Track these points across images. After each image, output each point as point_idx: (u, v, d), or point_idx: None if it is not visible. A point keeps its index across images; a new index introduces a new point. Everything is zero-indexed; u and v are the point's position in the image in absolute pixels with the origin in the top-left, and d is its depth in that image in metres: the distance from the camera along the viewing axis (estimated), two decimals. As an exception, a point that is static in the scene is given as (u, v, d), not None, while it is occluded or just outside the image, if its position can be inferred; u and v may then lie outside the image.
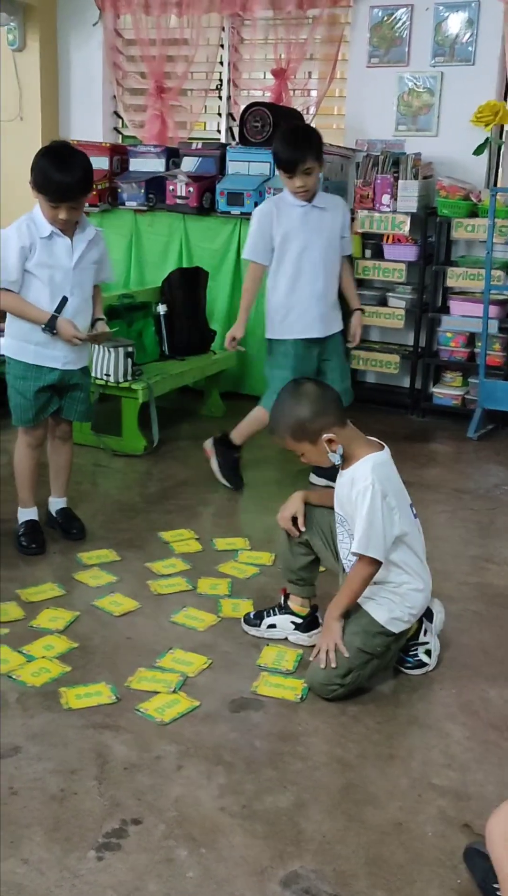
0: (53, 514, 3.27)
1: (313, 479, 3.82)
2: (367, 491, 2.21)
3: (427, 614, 2.45)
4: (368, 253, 5.01)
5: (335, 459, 2.31)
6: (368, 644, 2.28)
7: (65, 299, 2.90)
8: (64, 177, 2.72)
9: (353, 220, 4.89)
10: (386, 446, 2.36)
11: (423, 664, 2.43)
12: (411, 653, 2.43)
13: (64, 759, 2.02)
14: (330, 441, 2.27)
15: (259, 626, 2.58)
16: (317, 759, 2.07)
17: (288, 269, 3.58)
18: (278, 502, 2.58)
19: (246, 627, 2.60)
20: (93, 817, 1.84)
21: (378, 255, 4.97)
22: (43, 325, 2.88)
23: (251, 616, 2.61)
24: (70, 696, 2.26)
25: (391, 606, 2.31)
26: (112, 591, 2.83)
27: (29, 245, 2.83)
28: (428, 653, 2.44)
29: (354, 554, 2.26)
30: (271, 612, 2.59)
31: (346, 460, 2.32)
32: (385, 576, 2.32)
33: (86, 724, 2.15)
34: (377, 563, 2.25)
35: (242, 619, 2.63)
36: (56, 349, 2.95)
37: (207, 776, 1.99)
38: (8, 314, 2.95)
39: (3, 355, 3.01)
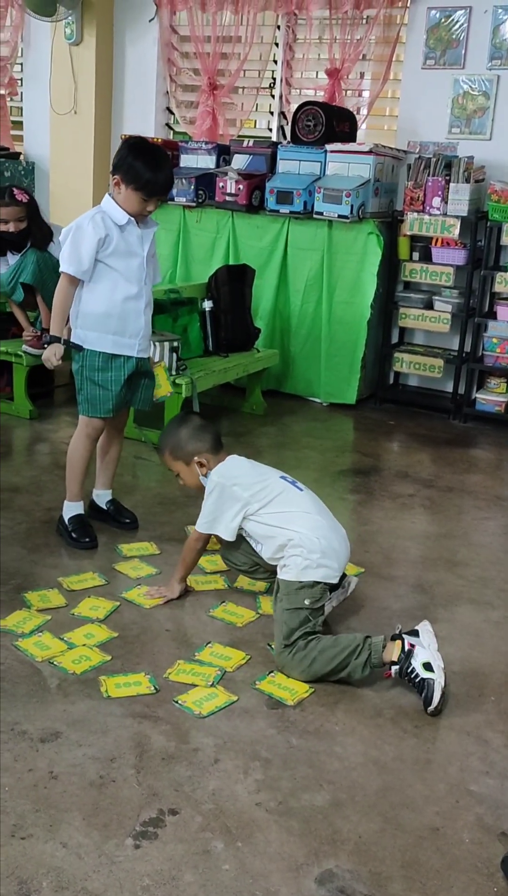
0: (102, 505, 3.29)
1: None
2: (212, 487, 2.60)
3: (394, 637, 2.37)
4: (416, 256, 4.98)
5: (204, 482, 2.66)
6: (294, 601, 2.42)
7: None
8: (159, 175, 2.84)
9: (402, 221, 4.88)
10: (233, 455, 2.72)
11: (430, 683, 2.24)
12: (409, 674, 2.28)
13: (103, 747, 2.04)
14: (200, 464, 2.66)
15: None
16: (353, 760, 2.07)
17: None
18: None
19: None
20: (131, 805, 1.86)
21: (426, 257, 4.95)
22: (48, 335, 2.96)
23: None
24: (110, 684, 2.28)
25: (296, 562, 2.45)
26: (138, 584, 2.85)
27: (105, 236, 2.88)
28: (427, 666, 2.28)
29: (196, 530, 2.65)
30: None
31: None
32: (276, 544, 2.51)
33: (125, 713, 2.17)
34: (203, 538, 2.67)
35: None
36: (131, 337, 3.00)
37: (243, 771, 2.00)
38: (73, 307, 2.97)
39: (73, 346, 2.98)
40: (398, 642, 2.34)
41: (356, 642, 2.34)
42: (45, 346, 2.97)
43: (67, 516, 3.14)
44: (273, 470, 2.70)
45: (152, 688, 2.28)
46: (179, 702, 2.23)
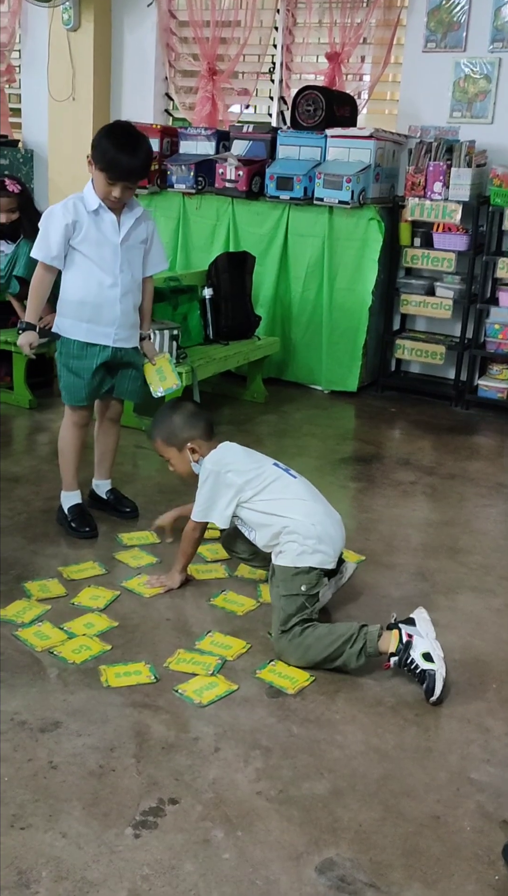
0: (102, 495, 3.28)
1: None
2: (206, 475, 2.57)
3: (389, 626, 2.36)
4: (417, 241, 4.95)
5: (197, 469, 2.65)
6: (290, 587, 2.42)
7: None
8: (129, 159, 2.75)
9: (403, 207, 4.85)
10: (226, 442, 2.69)
11: (431, 674, 2.23)
12: (409, 665, 2.27)
13: (103, 736, 2.03)
14: (192, 450, 2.64)
15: None
16: (354, 748, 2.06)
17: None
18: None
19: None
20: (131, 795, 1.86)
21: (428, 243, 4.91)
22: (22, 323, 2.92)
23: None
24: (110, 674, 2.27)
25: (291, 548, 2.45)
26: (138, 573, 2.84)
27: (73, 222, 2.84)
28: (427, 656, 2.26)
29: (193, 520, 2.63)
30: None
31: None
32: (272, 531, 2.49)
33: (125, 703, 2.16)
34: (200, 526, 2.65)
35: None
36: (107, 326, 2.95)
37: (243, 759, 1.99)
38: (59, 293, 2.98)
39: (54, 336, 3.01)
40: (395, 632, 2.32)
41: (352, 631, 2.33)
42: (20, 332, 2.94)
43: (65, 506, 3.13)
44: (266, 457, 2.68)
45: (152, 677, 2.27)
46: (180, 691, 2.22)
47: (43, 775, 1.90)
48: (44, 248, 2.86)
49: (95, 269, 2.90)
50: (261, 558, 2.70)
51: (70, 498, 3.14)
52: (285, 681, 2.30)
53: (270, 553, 2.56)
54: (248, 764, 1.98)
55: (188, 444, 2.65)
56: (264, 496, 2.52)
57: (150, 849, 1.72)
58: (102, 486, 3.29)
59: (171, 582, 2.75)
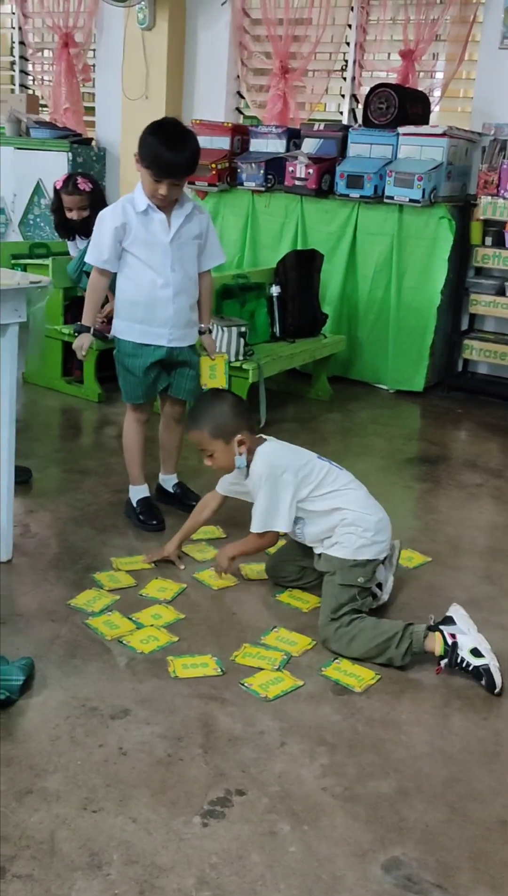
0: (169, 489, 3.32)
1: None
2: (261, 480, 2.50)
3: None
4: (489, 241, 4.88)
5: (240, 463, 2.58)
6: (347, 578, 2.45)
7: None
8: (174, 155, 2.73)
9: (475, 206, 4.79)
10: (268, 438, 2.65)
11: (486, 668, 2.27)
12: (461, 665, 2.31)
13: (171, 726, 2.07)
14: (240, 442, 2.55)
15: None
16: (420, 749, 2.06)
17: None
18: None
19: None
20: (198, 784, 1.89)
21: (499, 243, 4.83)
22: (77, 325, 3.00)
23: None
24: (177, 665, 2.31)
25: (351, 540, 2.46)
26: (208, 567, 2.87)
27: (122, 224, 2.85)
28: (475, 652, 2.31)
29: (254, 532, 2.55)
30: None
31: (250, 461, 2.59)
32: (329, 524, 2.50)
33: (192, 694, 2.20)
34: (268, 536, 2.57)
35: None
36: (160, 326, 2.95)
37: (309, 755, 2.01)
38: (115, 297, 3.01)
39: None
40: (439, 635, 2.34)
41: (397, 630, 2.35)
42: (76, 334, 3.00)
43: (133, 499, 3.19)
44: (308, 451, 2.64)
45: (219, 670, 2.30)
46: (246, 684, 2.24)
47: (113, 761, 1.94)
48: (95, 252, 2.91)
49: (147, 270, 2.90)
50: (309, 573, 2.69)
51: (137, 492, 3.19)
52: (351, 679, 2.30)
53: (316, 562, 2.58)
54: (313, 760, 1.99)
55: (237, 436, 2.57)
56: (320, 491, 2.52)
57: (217, 838, 1.74)
58: (168, 481, 3.34)
59: (228, 553, 2.67)
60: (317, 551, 2.58)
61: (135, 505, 3.18)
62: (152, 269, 2.90)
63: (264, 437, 2.65)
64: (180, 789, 1.87)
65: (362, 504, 2.52)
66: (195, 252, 3.00)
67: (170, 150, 2.73)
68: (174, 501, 3.31)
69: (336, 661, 2.38)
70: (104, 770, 1.91)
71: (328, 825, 1.80)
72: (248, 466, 2.60)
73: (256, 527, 2.55)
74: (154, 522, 3.13)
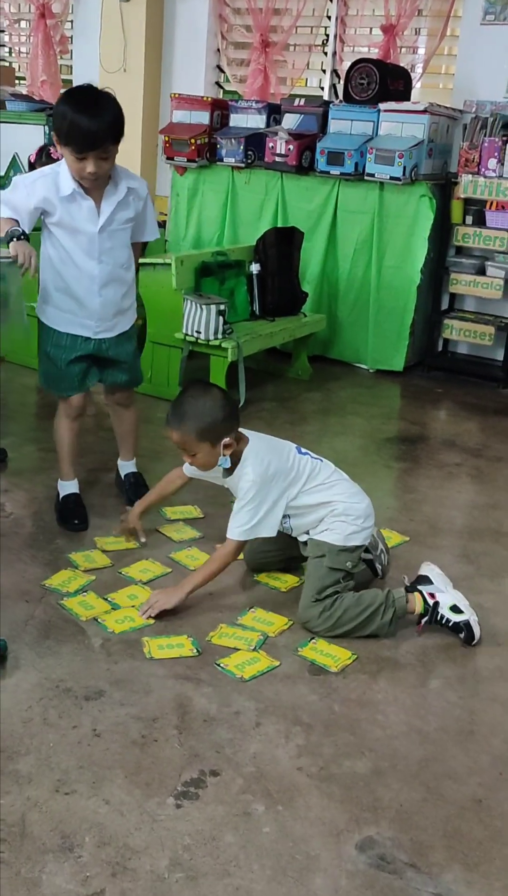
0: (122, 476, 3.18)
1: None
2: (252, 488, 2.38)
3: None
4: (469, 219, 4.85)
5: (225, 464, 2.43)
6: (336, 562, 2.43)
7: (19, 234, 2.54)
8: (91, 122, 2.41)
9: (456, 184, 4.75)
10: (249, 433, 2.50)
11: (466, 623, 2.38)
12: (441, 622, 2.42)
13: (145, 707, 2.05)
14: (227, 446, 2.39)
15: None
16: (396, 729, 2.06)
17: None
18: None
19: None
20: (172, 765, 1.87)
21: (480, 221, 4.81)
22: (7, 232, 2.54)
23: None
24: (153, 645, 2.29)
25: (340, 527, 2.45)
26: (190, 546, 2.85)
27: (43, 198, 2.56)
28: (455, 608, 2.42)
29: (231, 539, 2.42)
30: None
31: (235, 462, 2.45)
32: (319, 514, 2.47)
33: (167, 675, 2.18)
34: (240, 545, 2.44)
35: None
36: (86, 318, 2.75)
37: (285, 735, 2.00)
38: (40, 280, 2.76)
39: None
40: (418, 595, 2.42)
41: (380, 600, 2.38)
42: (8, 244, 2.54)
43: (60, 494, 3.00)
44: (287, 443, 2.55)
45: (195, 650, 2.28)
46: (222, 665, 2.23)
47: (87, 743, 1.92)
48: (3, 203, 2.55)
49: (70, 262, 2.67)
50: (294, 562, 2.69)
51: (64, 487, 3.00)
52: (327, 658, 2.29)
53: (302, 549, 2.57)
54: (289, 740, 1.99)
55: (225, 439, 2.39)
56: (306, 488, 2.47)
57: (191, 819, 1.73)
58: (124, 467, 3.18)
59: (168, 603, 2.41)
60: (302, 539, 2.56)
61: (59, 501, 2.99)
62: (78, 259, 2.66)
63: (243, 432, 2.48)
64: (154, 771, 1.86)
65: (349, 494, 2.50)
66: (128, 236, 2.76)
67: (88, 117, 2.41)
68: (123, 492, 3.15)
69: (313, 640, 2.37)
70: (77, 752, 1.89)
71: (302, 805, 1.80)
72: (232, 467, 2.46)
73: (238, 535, 2.40)
74: (75, 522, 2.91)
